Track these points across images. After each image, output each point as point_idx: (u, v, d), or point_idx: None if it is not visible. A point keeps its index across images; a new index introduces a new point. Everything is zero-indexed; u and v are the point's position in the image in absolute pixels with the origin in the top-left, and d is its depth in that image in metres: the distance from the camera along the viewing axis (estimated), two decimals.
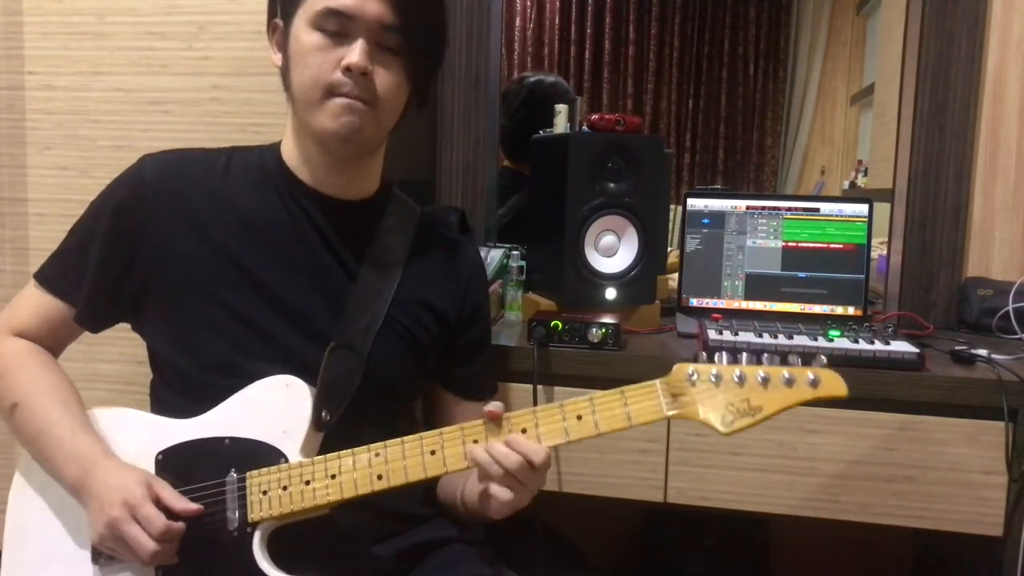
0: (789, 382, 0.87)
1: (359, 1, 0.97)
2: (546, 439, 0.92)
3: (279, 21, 1.05)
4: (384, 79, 1.00)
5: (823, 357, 0.88)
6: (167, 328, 1.06)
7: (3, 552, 1.06)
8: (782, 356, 0.89)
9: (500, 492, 0.92)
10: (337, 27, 0.97)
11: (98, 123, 1.44)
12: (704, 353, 0.91)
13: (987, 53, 1.71)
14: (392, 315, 1.07)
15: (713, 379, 0.88)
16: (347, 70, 0.97)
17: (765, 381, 0.87)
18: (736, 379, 0.88)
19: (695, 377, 0.89)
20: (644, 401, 0.90)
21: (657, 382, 0.90)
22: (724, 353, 0.91)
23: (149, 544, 0.91)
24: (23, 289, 1.13)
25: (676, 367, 0.90)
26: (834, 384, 0.87)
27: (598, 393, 0.91)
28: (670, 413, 0.89)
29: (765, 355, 0.89)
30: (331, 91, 0.98)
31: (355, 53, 0.97)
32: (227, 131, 1.40)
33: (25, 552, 1.04)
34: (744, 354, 0.90)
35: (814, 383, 0.86)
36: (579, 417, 0.91)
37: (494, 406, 0.94)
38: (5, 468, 1.51)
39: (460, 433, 0.94)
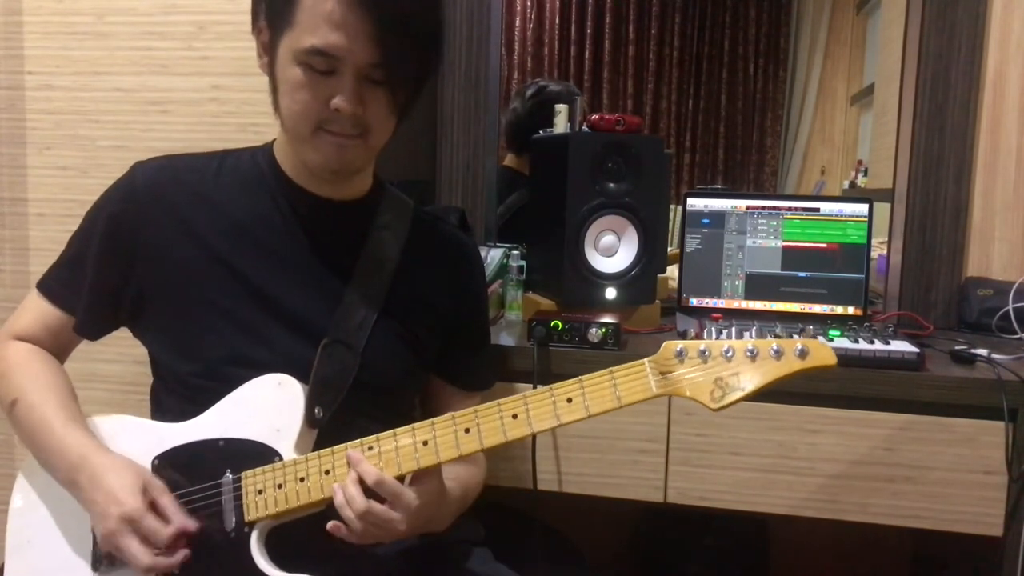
0: (778, 354, 0.86)
1: (346, 42, 0.93)
2: (537, 423, 0.91)
3: (264, 26, 1.01)
4: (374, 111, 0.98)
5: (811, 328, 0.88)
6: (165, 334, 1.07)
7: (5, 562, 1.06)
8: (770, 327, 0.89)
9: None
10: (324, 66, 0.94)
11: (98, 123, 1.44)
12: (693, 331, 0.91)
13: (987, 53, 1.71)
14: (388, 311, 1.07)
15: (701, 355, 0.88)
16: (336, 111, 0.95)
17: (753, 354, 0.87)
18: (724, 354, 0.88)
19: (684, 354, 0.89)
20: (633, 381, 0.90)
21: (646, 361, 0.90)
22: (713, 329, 0.91)
23: (146, 558, 0.92)
24: (26, 298, 1.13)
25: (664, 345, 0.90)
26: (823, 354, 0.86)
27: (587, 375, 0.91)
28: (658, 391, 0.89)
29: (754, 329, 0.89)
30: (320, 126, 0.97)
31: (344, 97, 0.94)
32: (227, 131, 1.40)
33: (26, 561, 1.05)
34: (732, 329, 0.90)
35: (802, 354, 0.86)
36: (569, 400, 0.91)
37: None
38: (5, 468, 1.51)
39: (452, 422, 0.93)
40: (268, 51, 1.00)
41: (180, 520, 0.94)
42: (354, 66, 0.95)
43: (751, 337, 0.87)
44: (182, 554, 0.94)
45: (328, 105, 0.95)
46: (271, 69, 1.00)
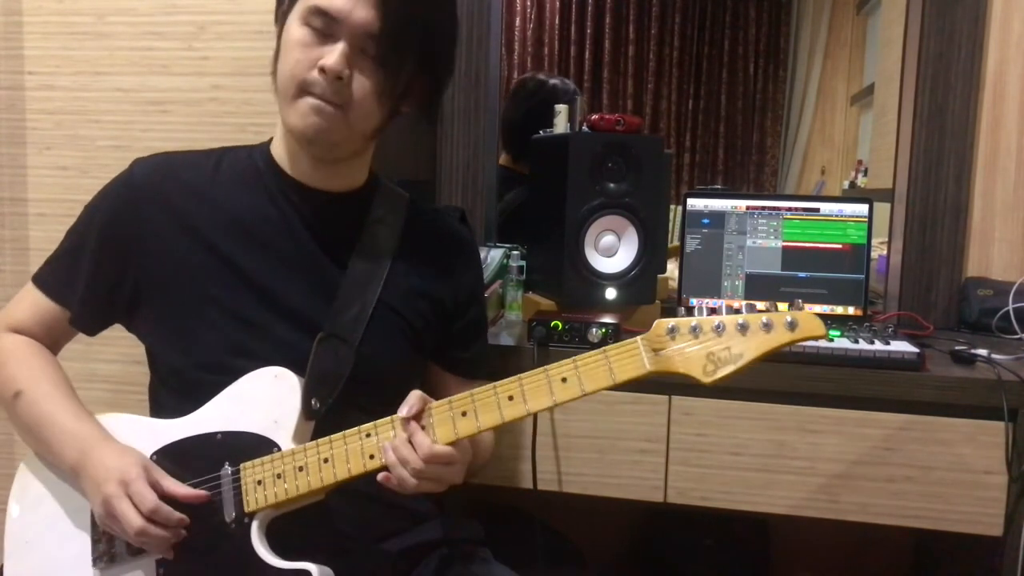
0: (767, 327, 0.87)
1: (347, 4, 0.96)
2: (532, 403, 0.92)
3: (285, 7, 1.04)
4: (361, 85, 0.99)
5: (799, 300, 0.89)
6: (162, 328, 1.07)
7: (4, 562, 1.06)
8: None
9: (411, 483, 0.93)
10: (322, 26, 0.97)
11: (98, 123, 1.44)
12: (683, 308, 0.90)
13: (987, 53, 1.71)
14: (384, 303, 1.08)
15: (692, 332, 0.88)
16: (321, 71, 0.97)
17: (744, 328, 0.87)
18: (715, 329, 0.88)
19: (675, 331, 0.89)
20: (626, 358, 0.90)
21: (638, 339, 0.90)
22: (704, 306, 0.91)
23: (136, 520, 0.92)
24: (21, 290, 1.14)
25: (656, 323, 0.90)
26: (812, 325, 0.87)
27: (581, 355, 0.92)
28: (652, 368, 0.89)
29: (744, 304, 0.89)
30: (304, 89, 0.98)
31: (332, 56, 0.96)
32: (227, 131, 1.40)
33: (26, 562, 1.05)
34: (723, 305, 0.90)
35: (791, 325, 0.86)
36: (564, 380, 0.91)
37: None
38: (5, 468, 1.51)
39: (448, 407, 0.94)
40: (284, 18, 1.03)
41: (183, 492, 0.95)
42: (350, 30, 0.97)
43: (742, 312, 0.88)
44: (175, 518, 0.94)
45: (315, 66, 0.97)
46: (279, 34, 1.03)
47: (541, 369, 0.92)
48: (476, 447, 1.02)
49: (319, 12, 0.97)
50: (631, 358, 0.90)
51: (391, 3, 0.97)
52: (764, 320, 0.87)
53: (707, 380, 0.87)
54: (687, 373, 0.88)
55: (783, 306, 0.89)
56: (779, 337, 0.87)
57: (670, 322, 0.90)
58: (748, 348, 0.87)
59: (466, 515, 1.23)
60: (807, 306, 0.89)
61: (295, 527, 0.99)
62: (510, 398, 0.92)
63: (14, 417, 1.08)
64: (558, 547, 1.71)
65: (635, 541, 2.01)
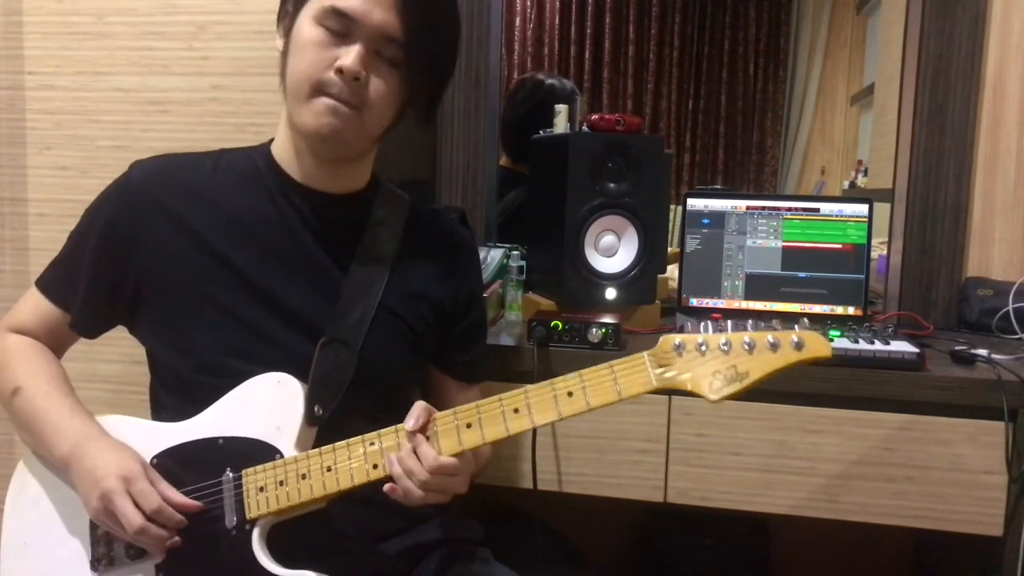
0: (774, 346, 0.87)
1: (365, 5, 0.96)
2: (538, 417, 0.92)
3: (290, 6, 1.04)
4: (376, 87, 1.00)
5: (806, 320, 0.89)
6: (162, 331, 1.07)
7: (1, 565, 1.06)
8: (767, 322, 0.90)
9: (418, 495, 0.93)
10: (339, 27, 0.97)
11: (98, 123, 1.44)
12: (689, 323, 0.91)
13: (987, 53, 1.71)
14: (385, 306, 1.08)
15: (699, 348, 0.89)
16: (339, 72, 0.97)
17: (750, 347, 0.87)
18: (722, 347, 0.88)
19: (682, 348, 0.89)
20: (633, 374, 0.90)
21: (645, 354, 0.90)
22: (710, 323, 0.91)
23: (137, 519, 0.92)
24: (25, 293, 1.14)
25: (663, 338, 0.90)
26: (818, 345, 0.87)
27: (587, 369, 0.92)
28: (658, 384, 0.90)
29: (750, 322, 0.90)
30: (319, 89, 0.98)
31: (350, 56, 0.96)
32: (227, 131, 1.40)
33: (24, 563, 1.05)
34: (729, 322, 0.91)
35: (798, 346, 0.86)
36: (570, 393, 0.91)
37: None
38: (5, 468, 1.51)
39: (453, 418, 0.94)
40: (291, 17, 1.02)
41: (180, 501, 0.95)
42: (367, 32, 0.97)
43: (749, 329, 0.88)
44: (177, 520, 0.94)
45: (332, 67, 0.97)
46: (287, 36, 1.02)
47: (547, 383, 0.92)
48: (477, 455, 1.02)
49: (336, 12, 0.97)
50: (637, 374, 0.90)
51: (408, 6, 0.97)
52: (770, 339, 0.87)
53: (713, 398, 0.88)
54: (693, 390, 0.88)
55: (790, 306, 0.89)
56: (785, 357, 0.87)
57: (676, 339, 0.90)
58: (754, 367, 0.87)
59: (466, 515, 1.23)
60: (807, 307, 0.89)
61: (295, 530, 0.99)
62: (515, 411, 0.92)
63: (12, 414, 1.09)
64: (558, 547, 1.71)
65: (635, 541, 2.01)
